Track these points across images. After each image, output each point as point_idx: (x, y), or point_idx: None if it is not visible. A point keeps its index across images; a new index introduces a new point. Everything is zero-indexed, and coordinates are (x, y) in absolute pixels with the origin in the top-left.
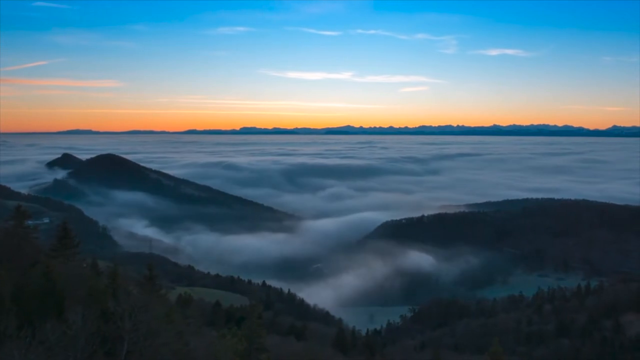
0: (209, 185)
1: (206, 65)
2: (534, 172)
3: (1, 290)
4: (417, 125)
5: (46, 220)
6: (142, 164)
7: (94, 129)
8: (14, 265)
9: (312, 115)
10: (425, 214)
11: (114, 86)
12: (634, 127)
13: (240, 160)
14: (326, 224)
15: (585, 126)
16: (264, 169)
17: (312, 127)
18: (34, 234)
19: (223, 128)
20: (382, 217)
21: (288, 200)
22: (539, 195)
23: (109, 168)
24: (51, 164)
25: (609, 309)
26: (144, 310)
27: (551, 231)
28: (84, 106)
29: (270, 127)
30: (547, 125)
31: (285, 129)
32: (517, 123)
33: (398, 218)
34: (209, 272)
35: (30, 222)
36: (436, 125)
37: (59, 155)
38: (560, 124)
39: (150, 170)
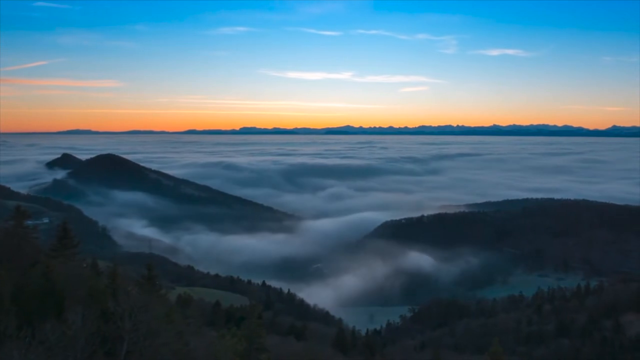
0: (208, 185)
1: (206, 65)
2: (534, 172)
3: (1, 290)
4: (416, 125)
5: (46, 220)
6: (141, 164)
7: (93, 129)
8: (14, 265)
9: (312, 115)
10: (425, 214)
11: (114, 86)
12: (633, 127)
13: (240, 160)
14: (326, 224)
15: (585, 126)
16: (264, 169)
17: (311, 127)
18: (34, 234)
19: (223, 128)
20: (382, 217)
21: (288, 200)
22: (539, 195)
23: (109, 168)
24: (51, 164)
25: (609, 309)
26: (144, 310)
27: (551, 231)
28: (84, 106)
29: (270, 127)
30: (547, 125)
31: (285, 129)
32: (517, 123)
33: (398, 218)
34: (208, 272)
35: (30, 222)
36: (436, 125)
37: (59, 155)
38: (560, 124)
39: (150, 170)
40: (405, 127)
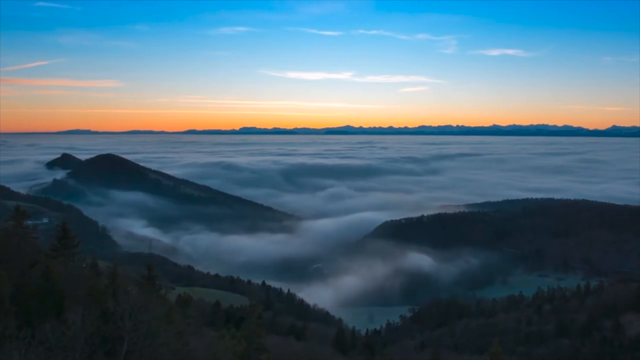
0: (208, 185)
1: (206, 65)
2: (534, 172)
3: (1, 291)
4: (416, 125)
5: (45, 221)
6: (141, 164)
7: (93, 129)
8: (14, 266)
9: (312, 115)
10: (425, 214)
11: (114, 86)
12: (633, 127)
13: (240, 160)
14: (326, 224)
15: (585, 126)
16: (264, 169)
17: (311, 127)
18: (34, 234)
19: (223, 128)
20: (382, 217)
21: (288, 200)
22: (539, 195)
23: (109, 168)
24: (51, 164)
25: (609, 309)
26: (144, 311)
27: (551, 231)
28: (83, 106)
29: (270, 127)
30: (547, 125)
31: (285, 129)
32: (517, 123)
33: (398, 218)
34: (208, 272)
35: (29, 222)
36: (436, 125)
37: (59, 156)
38: (559, 124)
39: (149, 170)
40: (405, 127)
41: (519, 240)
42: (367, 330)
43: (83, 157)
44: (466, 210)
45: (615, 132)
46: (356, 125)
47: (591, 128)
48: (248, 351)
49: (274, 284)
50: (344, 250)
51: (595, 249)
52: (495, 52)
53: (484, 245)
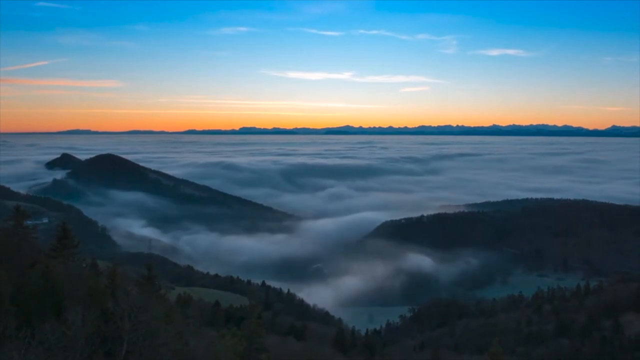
0: (208, 185)
1: (207, 65)
2: (534, 172)
3: (0, 291)
4: (416, 125)
5: (45, 221)
6: (141, 164)
7: (93, 129)
8: (13, 266)
9: (312, 115)
10: (425, 214)
11: (114, 86)
12: (633, 127)
13: (240, 160)
14: (326, 224)
15: (585, 126)
16: (264, 169)
17: (311, 127)
18: (33, 234)
19: (223, 128)
20: (382, 217)
21: (287, 200)
22: (539, 195)
23: (109, 168)
24: (50, 164)
25: (609, 309)
26: (144, 311)
27: (551, 231)
28: (84, 106)
29: (269, 127)
30: (547, 125)
31: (285, 129)
32: (517, 123)
33: (398, 218)
34: (208, 272)
35: (29, 222)
36: (436, 125)
37: (58, 156)
38: (559, 124)
39: (149, 170)
40: (405, 127)
41: (518, 240)
42: (367, 330)
43: (83, 157)
44: (466, 210)
45: (615, 132)
46: (356, 125)
47: (591, 128)
48: (248, 351)
49: (273, 284)
50: (344, 250)
51: (595, 249)
52: (495, 52)
53: (483, 245)
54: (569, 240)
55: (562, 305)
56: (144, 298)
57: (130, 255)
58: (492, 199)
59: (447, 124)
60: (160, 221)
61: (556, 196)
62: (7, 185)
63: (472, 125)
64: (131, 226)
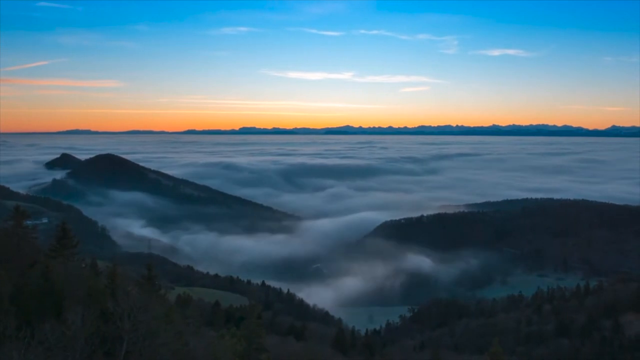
0: (208, 185)
1: (207, 66)
2: (534, 172)
3: (0, 291)
4: (416, 125)
5: (45, 221)
6: (141, 164)
7: (93, 129)
8: (13, 266)
9: (312, 115)
10: (425, 214)
11: (114, 86)
12: (633, 127)
13: (240, 160)
14: (325, 224)
15: (585, 126)
16: (264, 169)
17: (311, 127)
18: (33, 234)
19: (222, 128)
20: (382, 217)
21: (287, 200)
22: (539, 195)
23: (108, 168)
24: (50, 164)
25: (609, 308)
26: (143, 311)
27: (551, 231)
28: (84, 106)
29: (269, 127)
30: (547, 125)
31: (285, 129)
32: (517, 123)
33: (397, 218)
34: (208, 272)
35: (29, 222)
36: (435, 125)
37: (58, 156)
38: (559, 124)
39: (149, 170)
40: (405, 127)
41: (518, 240)
42: (366, 330)
43: (83, 157)
44: (466, 210)
45: (615, 132)
46: (356, 126)
47: (591, 128)
48: (248, 351)
49: (273, 284)
50: (344, 250)
51: (594, 249)
52: (496, 52)
53: (483, 245)
54: (569, 240)
55: (562, 305)
56: (144, 298)
57: (130, 255)
58: (492, 199)
59: (447, 124)
60: (160, 221)
61: (556, 196)
62: (7, 185)
63: (472, 125)
64: (131, 226)
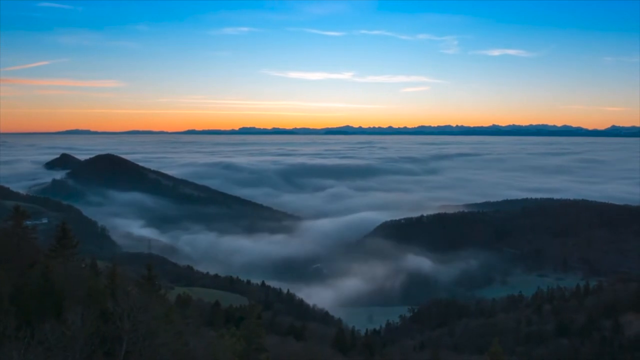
0: (208, 186)
1: (207, 66)
2: (533, 172)
3: (0, 291)
4: (416, 126)
5: (45, 221)
6: (141, 164)
7: (93, 129)
8: (13, 266)
9: (312, 116)
10: (425, 214)
11: (114, 86)
12: (633, 127)
13: (240, 160)
14: (325, 224)
15: (584, 126)
16: (263, 169)
17: (311, 127)
18: (33, 234)
19: (222, 128)
20: (382, 217)
21: (287, 200)
22: (538, 195)
23: (108, 168)
24: (50, 164)
25: (608, 308)
26: (143, 311)
27: (550, 231)
28: (84, 106)
29: (269, 127)
30: (546, 125)
31: (285, 129)
32: (516, 123)
33: (397, 218)
34: (208, 272)
35: (28, 222)
36: (435, 125)
37: (58, 156)
38: (559, 124)
39: (149, 170)
40: (405, 127)
41: (518, 240)
42: (366, 330)
43: (82, 157)
44: (466, 210)
45: (615, 132)
46: (356, 126)
47: (590, 128)
48: (247, 351)
49: (273, 284)
50: (344, 250)
51: (594, 249)
52: (496, 53)
53: (483, 245)
54: (568, 240)
55: (562, 305)
56: (144, 298)
57: (129, 256)
58: (492, 199)
59: (447, 124)
60: (160, 221)
61: (556, 196)
62: (7, 185)
63: (471, 125)
64: (131, 226)
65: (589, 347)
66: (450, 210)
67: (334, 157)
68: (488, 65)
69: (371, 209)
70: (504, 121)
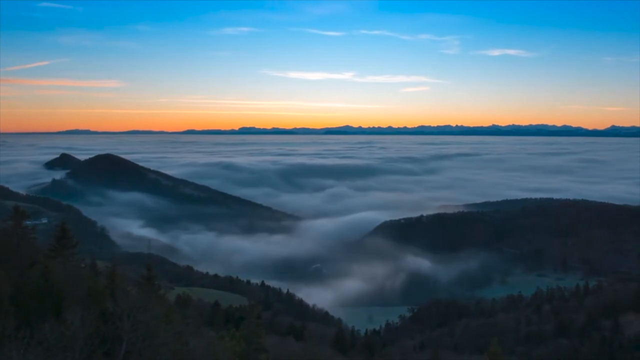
0: (207, 186)
1: (207, 66)
2: (533, 172)
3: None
4: (416, 126)
5: (44, 221)
6: (140, 164)
7: (93, 129)
8: (12, 266)
9: (312, 116)
10: (424, 214)
11: (115, 86)
12: (632, 127)
13: (239, 160)
14: (325, 224)
15: (584, 126)
16: (263, 169)
17: (311, 127)
18: (32, 234)
19: (222, 128)
20: (381, 217)
21: (287, 200)
22: (538, 195)
23: (108, 168)
24: (50, 164)
25: (608, 308)
26: (143, 311)
27: (550, 231)
28: (84, 106)
29: (269, 127)
30: (546, 125)
31: (284, 129)
32: (516, 123)
33: (397, 218)
34: (207, 272)
35: (28, 222)
36: (435, 125)
37: (58, 156)
38: (559, 124)
39: (148, 170)
40: (405, 127)
41: (518, 240)
42: (366, 330)
43: (82, 157)
44: (465, 210)
45: (614, 132)
46: (355, 126)
47: (590, 128)
48: (247, 351)
49: (273, 284)
50: (344, 250)
51: (594, 249)
52: (496, 53)
53: (483, 245)
54: (568, 240)
55: (562, 305)
56: (143, 298)
57: (129, 256)
58: (492, 199)
59: (447, 124)
60: (160, 221)
61: (556, 196)
62: (6, 185)
63: (471, 125)
64: (130, 226)
65: (588, 347)
66: (450, 210)
67: (334, 157)
68: (488, 65)
69: (371, 209)
70: (503, 121)
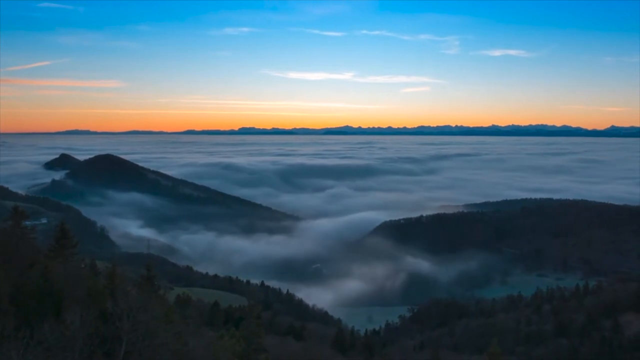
0: (207, 186)
1: (207, 66)
2: (533, 172)
3: None
4: (416, 126)
5: (44, 221)
6: (140, 164)
7: (92, 129)
8: (12, 266)
9: (312, 116)
10: (424, 214)
11: (115, 86)
12: (632, 127)
13: (239, 160)
14: (325, 224)
15: (584, 126)
16: (263, 169)
17: (311, 127)
18: (32, 234)
19: (222, 128)
20: (381, 217)
21: (287, 200)
22: (538, 195)
23: (107, 168)
24: (49, 165)
25: (608, 308)
26: (143, 311)
27: (550, 231)
28: (84, 106)
29: (269, 127)
30: (546, 126)
31: (284, 129)
32: (516, 123)
33: (397, 218)
34: (207, 273)
35: (28, 222)
36: (435, 125)
37: (57, 156)
38: (558, 124)
39: (148, 170)
40: (404, 128)
41: (518, 240)
42: (366, 330)
43: (82, 157)
44: (465, 211)
45: (614, 132)
46: (355, 126)
47: (590, 128)
48: (247, 351)
49: (272, 284)
50: (343, 250)
51: (594, 249)
52: (497, 53)
53: (483, 245)
54: (568, 240)
55: (562, 305)
56: (143, 298)
57: (129, 256)
58: (492, 199)
59: (446, 124)
60: (159, 221)
61: (555, 196)
62: (6, 186)
63: (471, 126)
64: (130, 226)
65: (588, 347)
66: (450, 211)
67: (334, 157)
68: (488, 65)
69: (371, 209)
70: (503, 121)
